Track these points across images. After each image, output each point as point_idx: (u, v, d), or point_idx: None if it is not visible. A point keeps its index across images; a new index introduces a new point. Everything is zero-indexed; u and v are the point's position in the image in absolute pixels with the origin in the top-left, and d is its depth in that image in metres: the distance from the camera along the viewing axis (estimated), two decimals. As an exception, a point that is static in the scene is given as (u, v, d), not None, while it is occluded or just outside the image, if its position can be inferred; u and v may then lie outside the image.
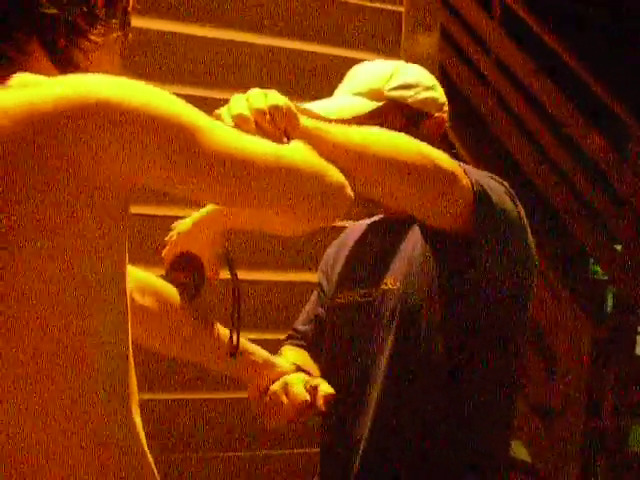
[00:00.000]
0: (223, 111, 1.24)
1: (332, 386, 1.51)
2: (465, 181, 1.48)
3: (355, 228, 1.90)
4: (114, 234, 1.07)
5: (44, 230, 1.02)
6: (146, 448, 1.12)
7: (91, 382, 1.05)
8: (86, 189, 1.02)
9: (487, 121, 5.55)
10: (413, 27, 2.83)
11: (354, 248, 1.83)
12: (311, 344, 1.86)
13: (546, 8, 5.85)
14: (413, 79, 1.70)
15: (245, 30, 2.67)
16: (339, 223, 1.75)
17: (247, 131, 1.18)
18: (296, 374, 1.54)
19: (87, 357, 1.05)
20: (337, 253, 1.88)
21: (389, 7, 2.85)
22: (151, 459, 1.13)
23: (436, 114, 1.70)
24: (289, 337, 1.91)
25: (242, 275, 1.49)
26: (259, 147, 1.14)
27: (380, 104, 1.66)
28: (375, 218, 1.85)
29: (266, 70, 2.65)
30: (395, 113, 1.67)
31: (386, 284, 1.68)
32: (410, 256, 1.66)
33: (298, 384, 1.50)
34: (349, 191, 1.22)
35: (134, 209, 1.11)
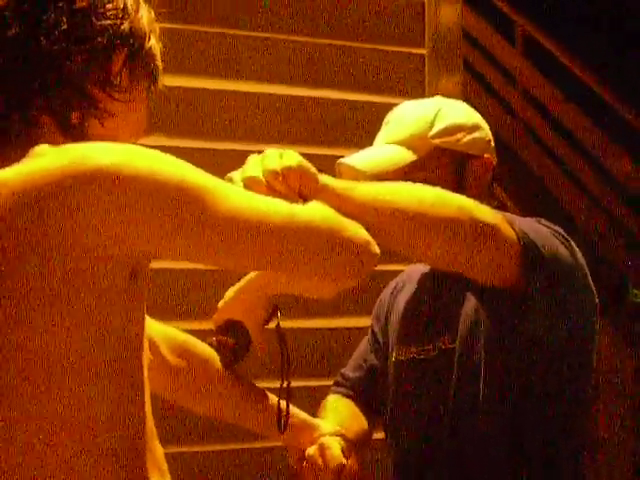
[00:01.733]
0: (235, 174, 1.22)
1: (397, 443, 1.56)
2: (509, 233, 1.41)
3: (412, 272, 1.79)
4: (121, 302, 1.03)
5: (44, 301, 0.99)
6: None
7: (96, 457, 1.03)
8: (86, 259, 0.99)
9: (519, 154, 5.55)
10: (436, 68, 2.85)
11: (411, 301, 1.74)
12: (361, 392, 1.80)
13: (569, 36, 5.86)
14: (457, 121, 1.63)
15: (268, 81, 2.70)
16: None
17: (258, 192, 1.14)
18: (333, 437, 1.52)
19: (95, 430, 1.02)
20: (393, 299, 1.79)
21: (412, 50, 2.87)
22: None
23: (484, 155, 1.63)
24: (336, 384, 1.85)
25: (295, 322, 1.47)
26: (271, 207, 1.09)
27: (423, 154, 1.59)
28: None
29: (294, 121, 2.68)
30: (440, 159, 1.60)
31: (444, 343, 1.61)
32: (465, 314, 1.59)
33: (335, 447, 1.49)
34: (374, 248, 1.17)
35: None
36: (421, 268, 1.75)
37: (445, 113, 1.63)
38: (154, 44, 1.15)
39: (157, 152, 1.04)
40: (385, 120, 1.68)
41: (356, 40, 2.81)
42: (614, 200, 5.06)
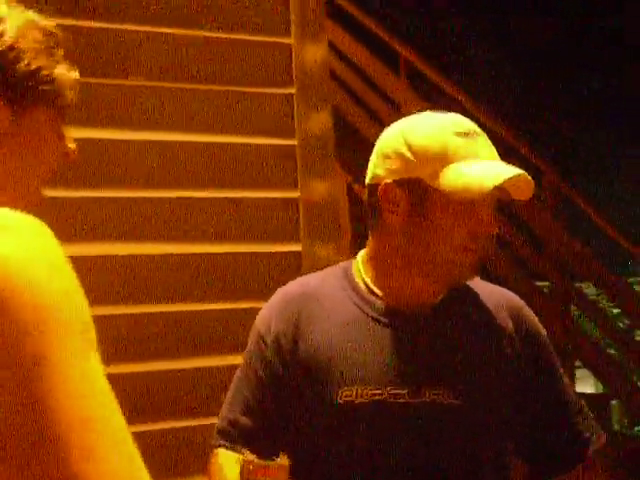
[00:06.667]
0: None
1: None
2: None
3: (325, 297, 1.60)
4: None
5: None
6: None
7: None
8: None
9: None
10: (305, 106, 2.94)
11: (376, 336, 1.55)
12: (255, 439, 1.58)
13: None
14: None
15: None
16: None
17: None
18: None
19: None
20: (309, 328, 1.58)
21: (280, 91, 2.96)
22: None
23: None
24: (223, 435, 1.62)
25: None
26: None
27: None
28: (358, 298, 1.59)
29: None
30: None
31: (437, 395, 1.50)
32: (477, 361, 1.55)
33: None
34: None
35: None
36: (345, 296, 1.60)
37: None
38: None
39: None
40: (468, 130, 1.52)
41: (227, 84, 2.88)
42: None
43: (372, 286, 1.59)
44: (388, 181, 1.51)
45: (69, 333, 0.77)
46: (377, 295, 1.58)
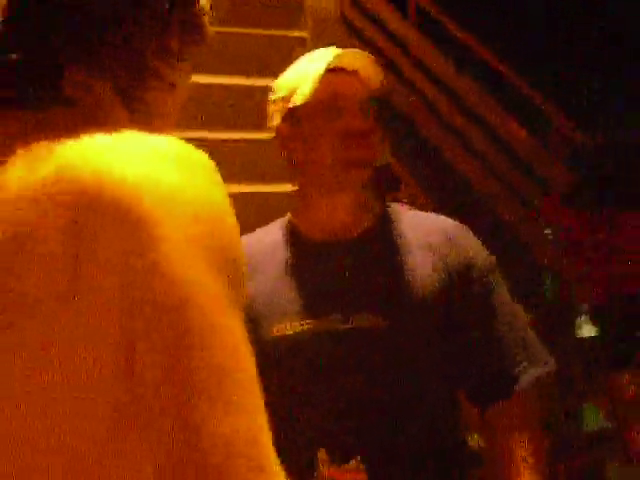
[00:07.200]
0: None
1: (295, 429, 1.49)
2: None
3: (265, 247, 1.68)
4: None
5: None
6: None
7: None
8: None
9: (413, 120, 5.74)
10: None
11: (280, 270, 1.63)
12: None
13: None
14: None
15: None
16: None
17: None
18: None
19: None
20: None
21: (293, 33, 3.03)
22: None
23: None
24: None
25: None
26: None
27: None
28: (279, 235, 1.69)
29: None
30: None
31: (362, 320, 1.54)
32: (404, 285, 1.56)
33: None
34: None
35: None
36: (274, 239, 1.69)
37: None
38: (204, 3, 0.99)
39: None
40: (319, 56, 1.62)
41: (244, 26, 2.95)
42: (507, 165, 5.28)
43: (298, 224, 1.68)
44: (277, 123, 1.64)
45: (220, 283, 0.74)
46: (302, 232, 1.66)
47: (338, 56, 1.56)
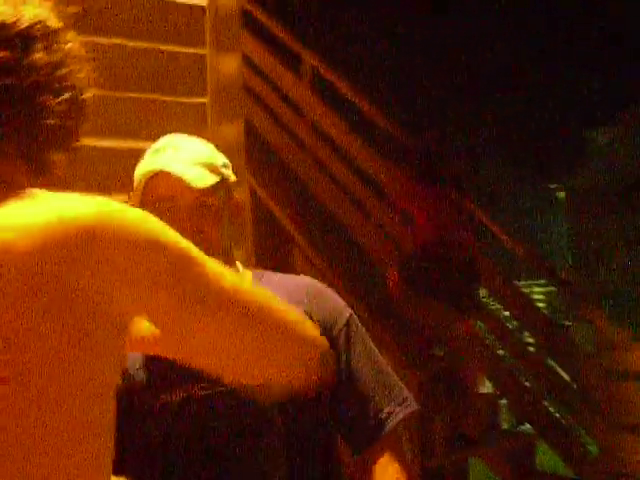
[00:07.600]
0: None
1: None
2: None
3: None
4: (116, 352, 1.04)
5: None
6: None
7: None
8: (92, 318, 0.99)
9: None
10: (218, 116, 3.00)
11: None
12: None
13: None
14: (226, 160, 1.73)
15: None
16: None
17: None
18: None
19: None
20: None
21: (194, 100, 3.01)
22: None
23: (236, 194, 1.74)
24: None
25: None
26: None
27: (218, 178, 1.66)
28: None
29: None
30: (224, 190, 1.68)
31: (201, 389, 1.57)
32: None
33: None
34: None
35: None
36: None
37: (214, 149, 1.73)
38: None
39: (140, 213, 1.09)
40: (160, 146, 1.68)
41: (142, 91, 2.92)
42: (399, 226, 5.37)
43: None
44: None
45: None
46: None
47: (164, 162, 1.61)
